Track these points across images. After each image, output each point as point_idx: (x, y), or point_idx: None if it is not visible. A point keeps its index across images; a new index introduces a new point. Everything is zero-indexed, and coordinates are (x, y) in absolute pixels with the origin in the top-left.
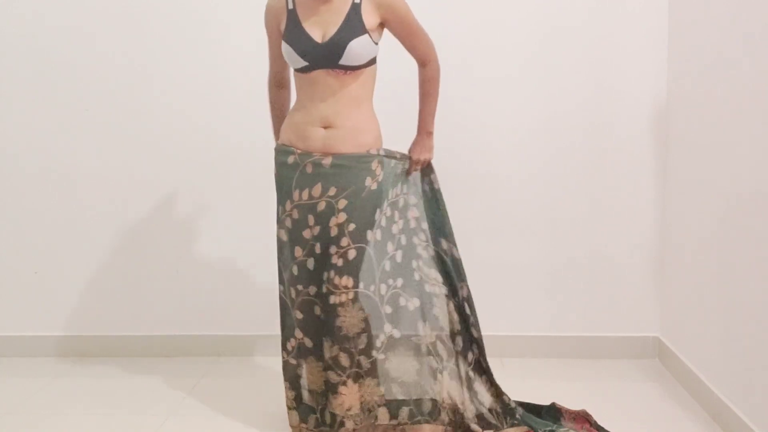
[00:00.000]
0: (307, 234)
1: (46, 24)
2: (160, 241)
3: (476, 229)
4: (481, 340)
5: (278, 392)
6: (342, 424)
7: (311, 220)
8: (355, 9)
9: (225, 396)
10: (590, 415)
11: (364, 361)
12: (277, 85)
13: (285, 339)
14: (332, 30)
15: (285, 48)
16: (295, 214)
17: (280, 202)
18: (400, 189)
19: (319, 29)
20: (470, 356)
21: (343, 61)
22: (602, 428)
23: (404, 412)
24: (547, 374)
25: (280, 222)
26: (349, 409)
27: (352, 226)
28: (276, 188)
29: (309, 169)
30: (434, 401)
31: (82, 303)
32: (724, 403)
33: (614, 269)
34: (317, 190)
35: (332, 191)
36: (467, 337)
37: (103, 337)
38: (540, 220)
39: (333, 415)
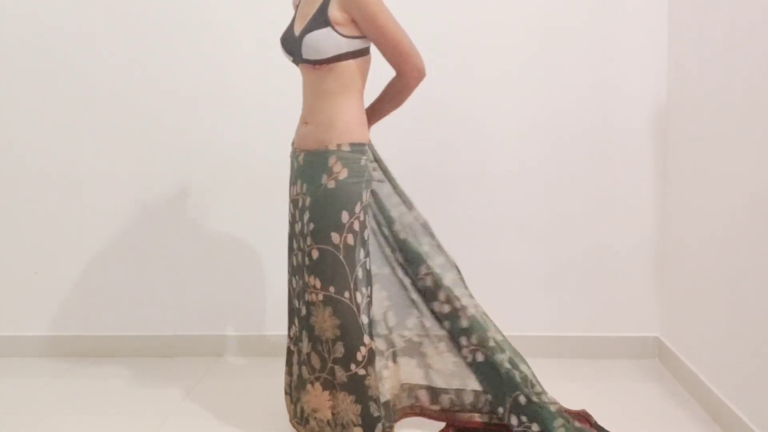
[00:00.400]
0: (297, 228)
1: (46, 24)
2: (160, 242)
3: (476, 229)
4: (428, 292)
5: (279, 392)
6: (307, 421)
7: (297, 215)
8: (326, 2)
9: (225, 396)
10: (590, 415)
11: (340, 373)
12: None
13: (288, 326)
14: (304, 24)
15: (280, 43)
16: (291, 209)
17: None
18: (369, 192)
19: (300, 23)
20: (410, 322)
21: (305, 55)
22: (602, 428)
23: (378, 428)
24: (547, 374)
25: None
26: (315, 411)
27: (312, 225)
28: None
29: (295, 166)
30: (386, 403)
31: (82, 303)
32: (724, 403)
33: (614, 269)
34: (298, 186)
35: (304, 188)
36: (401, 311)
37: (103, 337)
38: (540, 220)
39: (303, 410)
